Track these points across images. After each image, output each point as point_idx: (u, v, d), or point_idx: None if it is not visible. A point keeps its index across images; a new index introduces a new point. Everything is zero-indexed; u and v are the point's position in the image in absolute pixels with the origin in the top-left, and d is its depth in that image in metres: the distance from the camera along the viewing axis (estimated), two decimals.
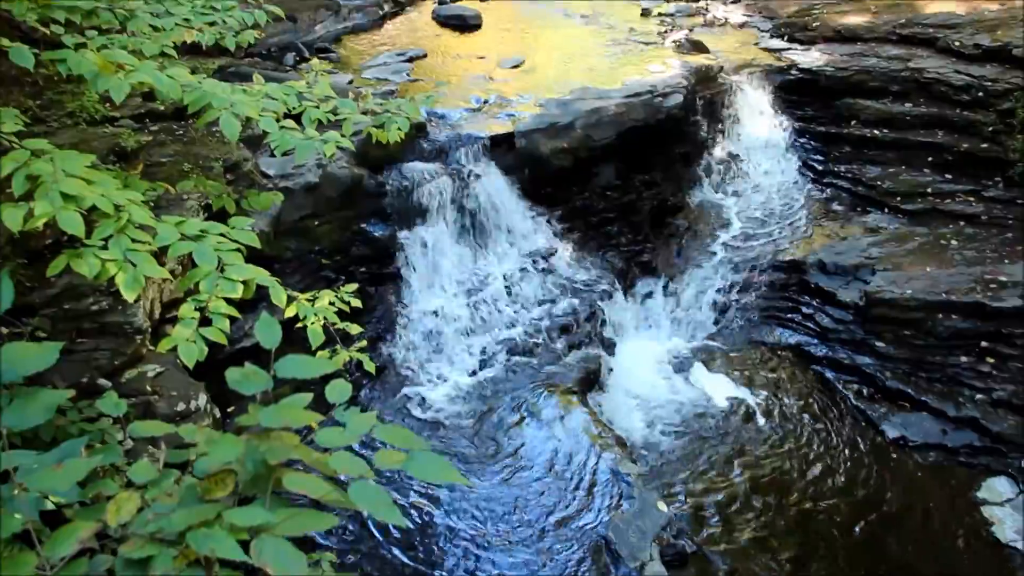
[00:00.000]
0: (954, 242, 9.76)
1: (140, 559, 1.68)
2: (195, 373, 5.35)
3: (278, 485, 1.75)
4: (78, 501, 2.08)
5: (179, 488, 1.93)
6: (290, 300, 3.82)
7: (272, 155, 8.08)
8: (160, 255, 3.55)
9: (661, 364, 9.46)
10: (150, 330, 5.50)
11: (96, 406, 4.39)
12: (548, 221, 9.72)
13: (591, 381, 8.46)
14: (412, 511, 6.70)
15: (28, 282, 4.99)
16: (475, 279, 9.06)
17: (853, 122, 11.29)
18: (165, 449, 2.13)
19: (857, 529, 7.29)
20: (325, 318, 3.84)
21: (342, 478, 1.75)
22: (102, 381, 5.20)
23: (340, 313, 3.96)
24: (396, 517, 1.58)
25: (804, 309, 9.79)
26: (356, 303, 4.11)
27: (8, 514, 1.94)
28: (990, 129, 10.26)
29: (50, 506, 2.53)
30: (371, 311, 8.25)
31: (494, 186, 9.23)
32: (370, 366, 3.88)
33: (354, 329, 3.99)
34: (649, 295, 10.22)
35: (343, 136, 4.19)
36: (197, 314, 3.32)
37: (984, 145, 10.34)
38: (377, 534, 6.45)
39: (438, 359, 8.50)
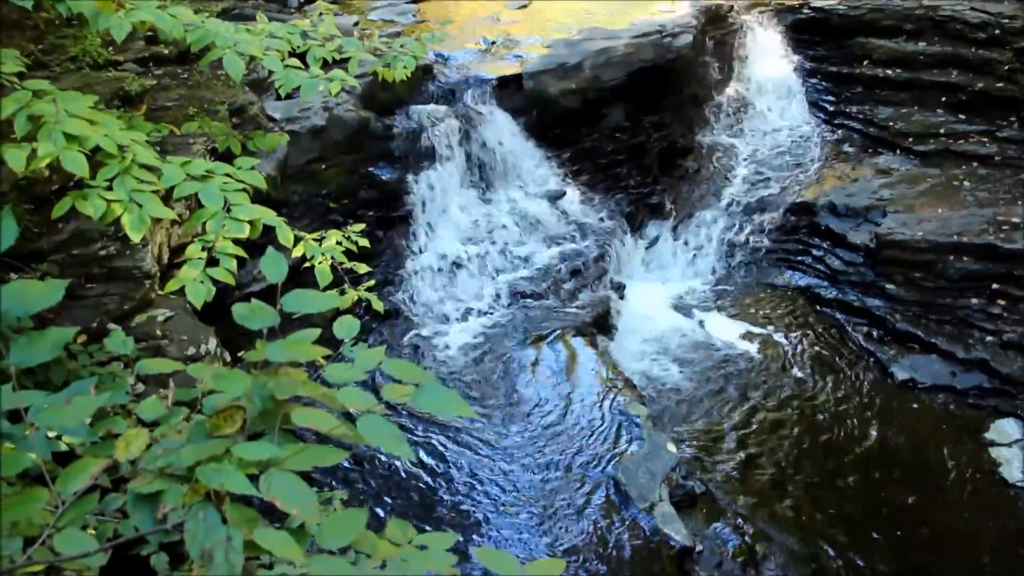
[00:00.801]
0: (967, 183, 9.65)
1: (150, 494, 1.68)
2: (204, 318, 5.36)
3: (286, 421, 1.75)
4: (88, 441, 2.08)
5: (188, 425, 1.92)
6: (297, 240, 3.80)
7: (278, 98, 8.02)
8: (166, 197, 3.52)
9: (670, 306, 9.45)
10: (159, 275, 5.48)
11: (106, 349, 4.41)
12: (557, 163, 9.64)
13: (600, 324, 8.44)
14: (420, 452, 6.74)
15: (35, 228, 4.97)
16: (484, 222, 9.02)
17: (865, 62, 11.12)
18: (173, 387, 2.13)
19: (865, 470, 7.31)
20: (333, 258, 3.82)
21: (351, 413, 1.74)
22: (112, 326, 5.19)
23: (348, 253, 3.94)
24: (405, 450, 1.57)
25: (814, 251, 9.73)
26: (364, 243, 4.09)
27: (21, 452, 1.94)
28: (1006, 68, 10.09)
29: (63, 447, 2.54)
30: (379, 255, 8.23)
31: (502, 128, 9.15)
32: (378, 305, 3.87)
33: (362, 268, 3.97)
34: (658, 238, 10.19)
35: (348, 74, 4.13)
36: (204, 254, 3.30)
37: (999, 84, 10.18)
38: (384, 476, 6.50)
39: (447, 302, 8.49)
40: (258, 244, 6.61)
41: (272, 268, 1.86)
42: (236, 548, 1.50)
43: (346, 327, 1.98)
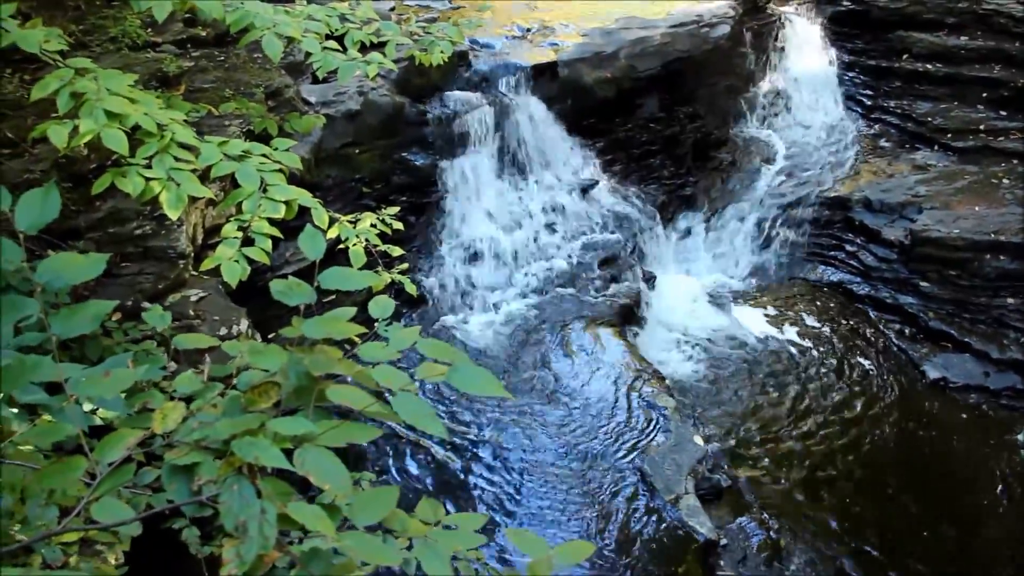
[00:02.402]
0: (1006, 181, 9.52)
1: (185, 466, 1.70)
2: (237, 299, 5.41)
3: (321, 398, 1.76)
4: (124, 414, 2.11)
5: (223, 400, 1.94)
6: (332, 222, 3.82)
7: (314, 82, 8.05)
8: (202, 177, 3.55)
9: (701, 299, 9.41)
10: (193, 255, 5.54)
11: (141, 327, 4.47)
12: (590, 153, 9.62)
13: (630, 314, 8.43)
14: (450, 436, 6.78)
15: (73, 206, 5.03)
16: (516, 209, 9.02)
17: (905, 56, 10.99)
18: (209, 362, 2.15)
19: (893, 469, 7.26)
20: (367, 240, 3.84)
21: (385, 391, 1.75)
22: (146, 304, 5.25)
23: (382, 236, 3.96)
24: (438, 428, 1.58)
25: (847, 247, 9.65)
26: (398, 226, 4.11)
27: (59, 422, 1.97)
28: None
29: (98, 421, 2.58)
30: (411, 240, 8.25)
31: (536, 116, 9.14)
32: (411, 288, 3.89)
33: (396, 251, 3.99)
34: (690, 229, 10.15)
35: (385, 56, 4.14)
36: (240, 234, 3.32)
37: None
38: (414, 459, 6.54)
39: (477, 289, 8.51)
40: (291, 227, 6.67)
41: (310, 245, 1.88)
42: (270, 521, 1.51)
43: (381, 306, 1.99)
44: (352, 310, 1.87)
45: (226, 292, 5.79)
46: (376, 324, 1.98)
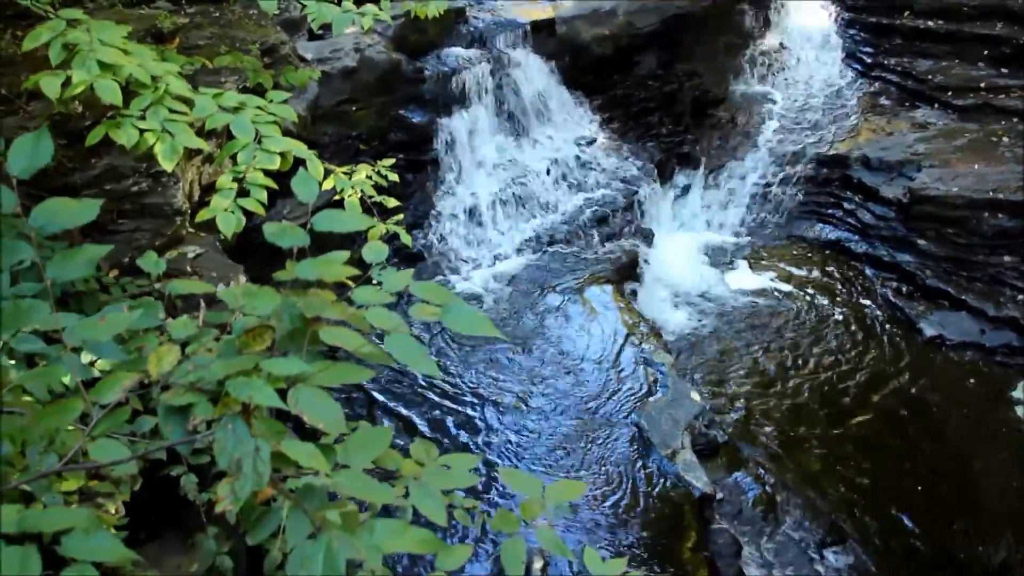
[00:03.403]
0: (1005, 139, 9.48)
1: (181, 407, 1.71)
2: (234, 257, 5.41)
3: (315, 340, 1.77)
4: (120, 360, 2.12)
5: (218, 344, 1.96)
6: (327, 174, 3.81)
7: (310, 38, 8.00)
8: (199, 133, 3.53)
9: (698, 256, 9.42)
10: (189, 212, 5.53)
11: (138, 283, 4.47)
12: (588, 110, 9.58)
13: (627, 272, 8.44)
14: (446, 386, 6.81)
15: (68, 163, 5.01)
16: (513, 167, 9.00)
17: (906, 13, 10.89)
18: (204, 307, 2.16)
19: (889, 424, 7.31)
20: (362, 192, 3.83)
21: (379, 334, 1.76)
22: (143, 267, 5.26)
23: (377, 188, 3.95)
24: (432, 368, 1.59)
25: (846, 205, 9.64)
26: (393, 177, 4.10)
27: (54, 367, 1.98)
28: None
29: (96, 374, 2.59)
30: (408, 198, 8.24)
31: (534, 73, 9.09)
32: (407, 239, 3.88)
33: (391, 203, 3.98)
34: (688, 187, 10.13)
35: (380, 9, 4.11)
36: (235, 185, 3.32)
37: None
38: (408, 407, 6.59)
39: (475, 246, 8.52)
40: (287, 185, 6.65)
41: (303, 188, 1.87)
42: (264, 458, 1.53)
43: (375, 251, 1.99)
44: (346, 253, 1.87)
45: (223, 249, 5.80)
46: (371, 268, 1.99)
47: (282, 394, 1.63)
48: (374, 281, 1.92)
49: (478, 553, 5.32)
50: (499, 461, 6.12)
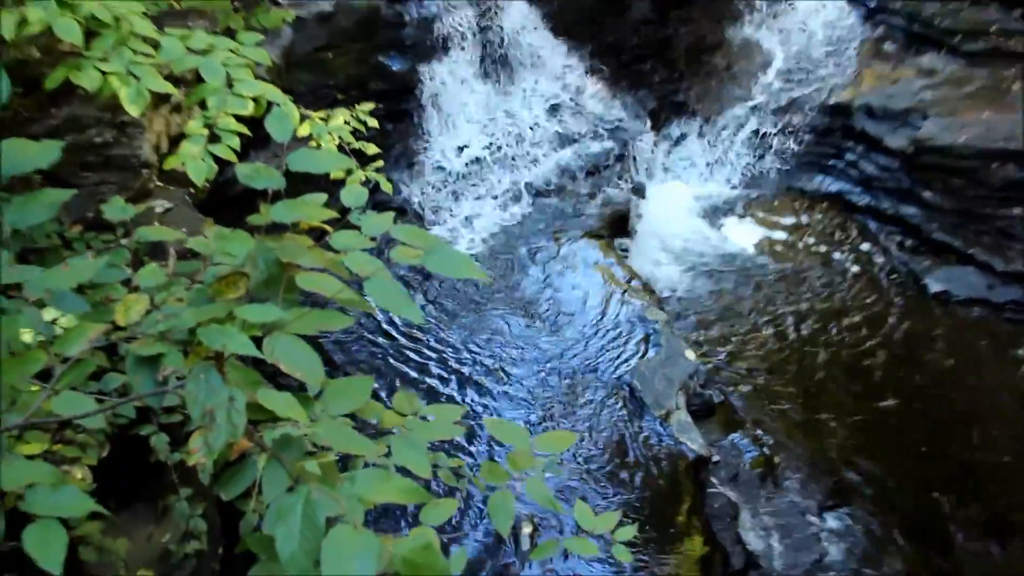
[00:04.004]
0: (1016, 86, 9.44)
1: (150, 357, 1.70)
2: (205, 212, 5.37)
3: (291, 287, 1.76)
4: (84, 312, 2.10)
5: (189, 292, 1.94)
6: (303, 119, 3.77)
7: None
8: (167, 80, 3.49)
9: (693, 209, 9.42)
10: (158, 165, 5.48)
11: (103, 238, 4.44)
12: (577, 57, 9.50)
13: (619, 226, 8.43)
14: (428, 339, 6.83)
15: (27, 112, 4.94)
16: (499, 116, 8.94)
17: None
18: (174, 254, 2.14)
19: (892, 382, 7.35)
20: (340, 138, 3.80)
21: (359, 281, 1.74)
22: (109, 216, 5.22)
23: (356, 135, 3.92)
24: (415, 312, 1.58)
25: (847, 156, 9.62)
26: (373, 123, 4.07)
27: (12, 318, 1.95)
28: None
29: (58, 331, 2.57)
30: (390, 149, 8.18)
31: (521, 18, 8.99)
32: (387, 187, 3.86)
33: (371, 149, 3.95)
34: (682, 137, 10.09)
35: None
36: (205, 131, 3.28)
37: None
38: (389, 363, 6.60)
39: (459, 199, 8.49)
40: (261, 137, 6.59)
41: (277, 126, 1.85)
42: (238, 408, 1.52)
43: (354, 195, 1.97)
44: (323, 196, 1.86)
45: (194, 204, 5.76)
46: (349, 212, 1.97)
47: (258, 343, 1.62)
48: (353, 224, 1.91)
49: (466, 515, 5.36)
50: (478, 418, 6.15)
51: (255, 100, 3.31)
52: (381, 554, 1.31)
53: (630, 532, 1.97)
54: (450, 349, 6.83)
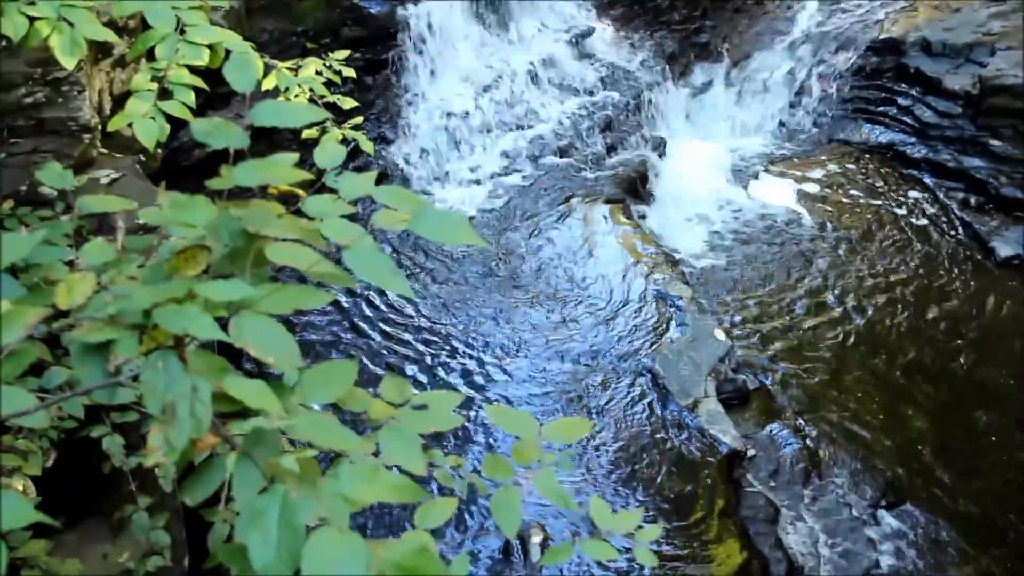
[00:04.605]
0: None
1: (98, 344, 1.70)
2: (158, 182, 5.36)
3: (260, 260, 1.76)
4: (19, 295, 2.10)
5: (142, 271, 1.94)
6: (268, 70, 3.76)
7: None
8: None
9: (720, 168, 9.41)
10: (100, 128, 5.48)
11: (39, 213, 4.45)
12: None
13: (636, 188, 8.44)
14: (422, 320, 6.84)
15: None
16: (495, 64, 8.93)
17: None
18: (123, 227, 2.14)
19: (956, 363, 7.34)
20: (312, 90, 3.79)
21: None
22: (46, 189, 5.22)
23: (331, 88, 3.91)
24: (401, 285, 1.58)
25: (900, 101, 9.61)
26: (349, 73, 4.05)
27: None
28: None
29: None
30: (370, 105, 8.18)
31: None
32: (367, 146, 3.85)
33: (347, 103, 3.94)
34: (708, 84, 10.10)
35: None
36: (155, 85, 3.26)
37: None
38: (378, 349, 6.62)
39: (451, 162, 8.49)
40: (219, 95, 6.56)
41: (238, 73, 1.85)
42: (203, 400, 1.52)
43: (329, 154, 1.97)
44: (294, 155, 1.85)
45: (146, 174, 5.76)
46: (325, 174, 1.97)
47: (223, 325, 1.62)
48: (329, 187, 1.91)
49: (468, 524, 5.40)
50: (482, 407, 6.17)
51: (211, 48, 3.29)
52: (371, 561, 1.32)
53: (655, 532, 1.98)
54: (445, 332, 6.84)
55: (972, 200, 8.89)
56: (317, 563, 1.30)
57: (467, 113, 8.64)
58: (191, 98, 3.26)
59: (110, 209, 2.11)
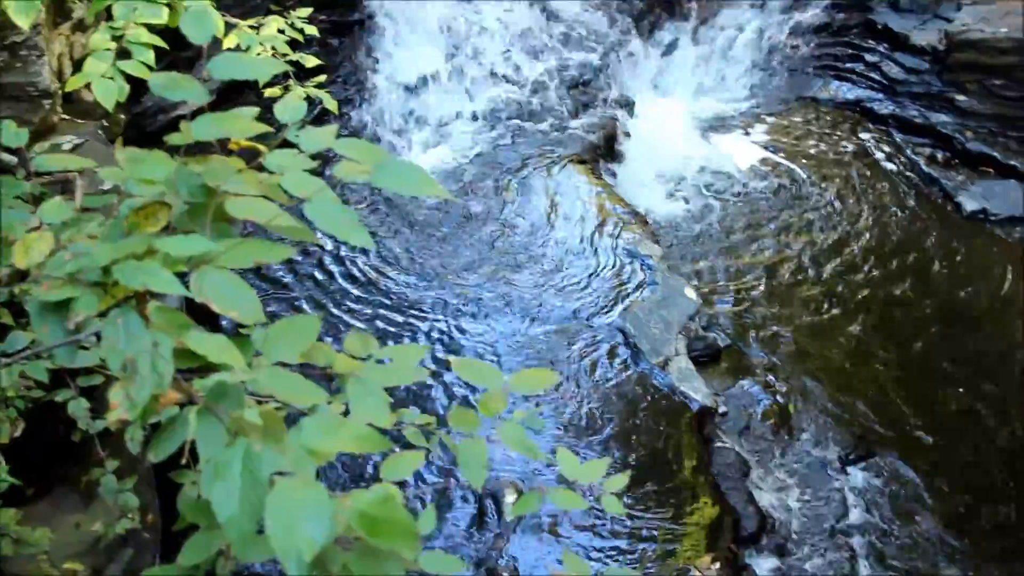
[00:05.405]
0: None
1: (58, 302, 1.68)
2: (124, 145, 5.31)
3: (220, 214, 1.74)
4: None
5: (101, 229, 1.92)
6: (228, 29, 3.72)
7: None
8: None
9: (689, 127, 9.41)
10: (61, 94, 5.43)
11: None
12: None
13: (604, 149, 8.43)
14: (380, 282, 6.82)
15: None
16: (463, 25, 8.86)
17: None
18: (81, 185, 2.12)
19: (924, 317, 7.38)
20: (274, 48, 3.75)
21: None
22: (5, 156, 5.16)
23: (294, 46, 3.88)
24: (363, 238, 1.57)
25: (868, 57, 9.62)
26: (312, 30, 4.02)
27: None
28: None
29: None
30: (335, 69, 8.12)
31: None
32: (332, 105, 3.82)
33: (311, 61, 3.91)
34: (674, 43, 10.05)
35: None
36: (113, 44, 3.22)
37: None
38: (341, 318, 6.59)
39: (418, 125, 8.45)
40: (183, 59, 6.49)
41: (195, 26, 1.82)
42: (164, 356, 1.51)
43: (290, 108, 1.95)
44: (254, 109, 1.84)
45: (109, 140, 5.71)
46: (286, 129, 1.95)
47: (184, 281, 1.61)
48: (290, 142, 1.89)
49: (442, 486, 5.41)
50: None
51: (170, 7, 3.25)
52: (336, 511, 1.32)
53: (621, 481, 1.99)
54: (411, 290, 6.81)
55: (939, 155, 8.92)
56: (282, 515, 1.29)
57: (435, 74, 8.60)
58: (151, 57, 3.22)
59: (68, 167, 2.09)
